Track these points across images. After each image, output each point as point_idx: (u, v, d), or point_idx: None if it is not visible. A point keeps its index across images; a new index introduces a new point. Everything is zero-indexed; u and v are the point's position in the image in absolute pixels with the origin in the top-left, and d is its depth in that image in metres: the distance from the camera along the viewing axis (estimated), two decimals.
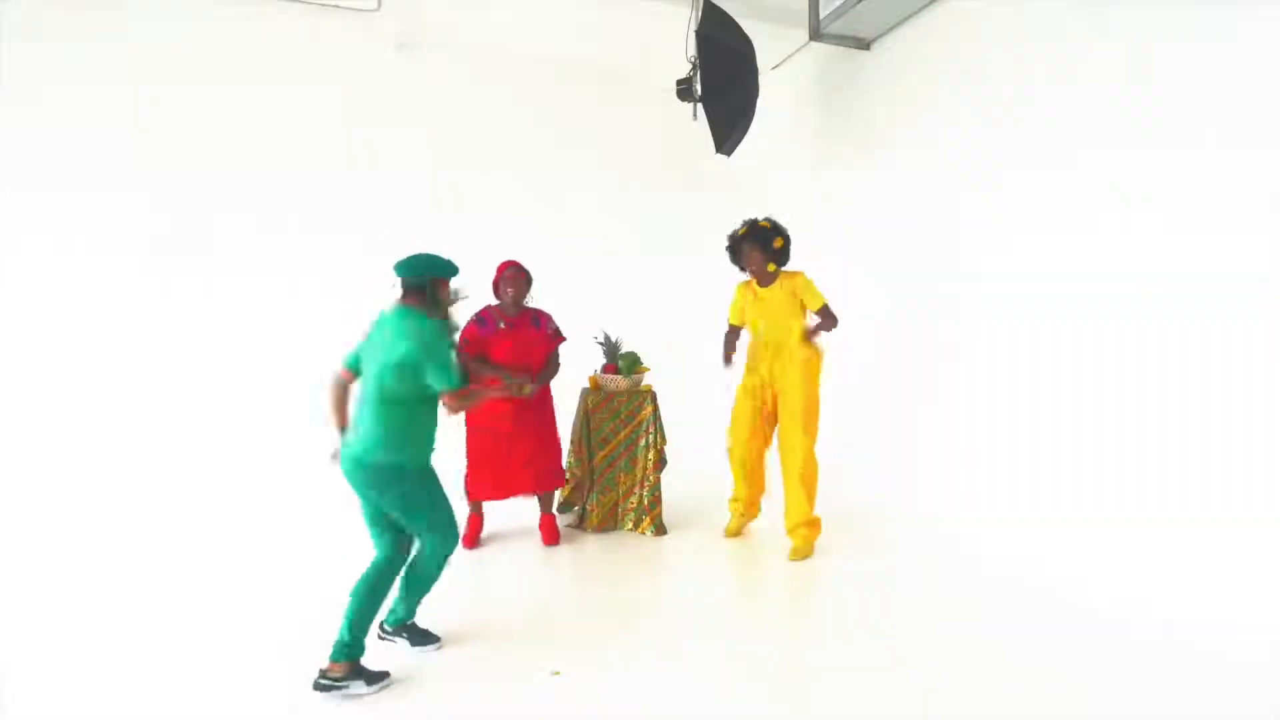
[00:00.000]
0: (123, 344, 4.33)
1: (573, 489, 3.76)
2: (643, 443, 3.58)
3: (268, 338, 4.62)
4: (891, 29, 4.17)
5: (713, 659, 2.28)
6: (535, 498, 3.50)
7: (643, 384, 3.71)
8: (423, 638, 2.36)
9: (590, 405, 3.59)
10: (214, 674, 2.15)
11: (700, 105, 4.21)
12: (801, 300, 3.33)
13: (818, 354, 3.36)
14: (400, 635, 2.37)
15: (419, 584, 2.32)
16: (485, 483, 3.37)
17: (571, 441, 3.71)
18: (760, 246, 3.33)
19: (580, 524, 3.61)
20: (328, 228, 4.84)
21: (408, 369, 2.11)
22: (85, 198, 4.28)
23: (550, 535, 3.44)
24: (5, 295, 4.13)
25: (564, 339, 3.51)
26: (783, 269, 3.41)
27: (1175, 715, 1.93)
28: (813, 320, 3.35)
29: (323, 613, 2.52)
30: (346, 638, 2.07)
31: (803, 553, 3.25)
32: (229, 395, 4.53)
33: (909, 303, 4.03)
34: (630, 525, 3.58)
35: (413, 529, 2.25)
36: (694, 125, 4.48)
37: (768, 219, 3.39)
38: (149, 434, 4.32)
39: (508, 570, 3.11)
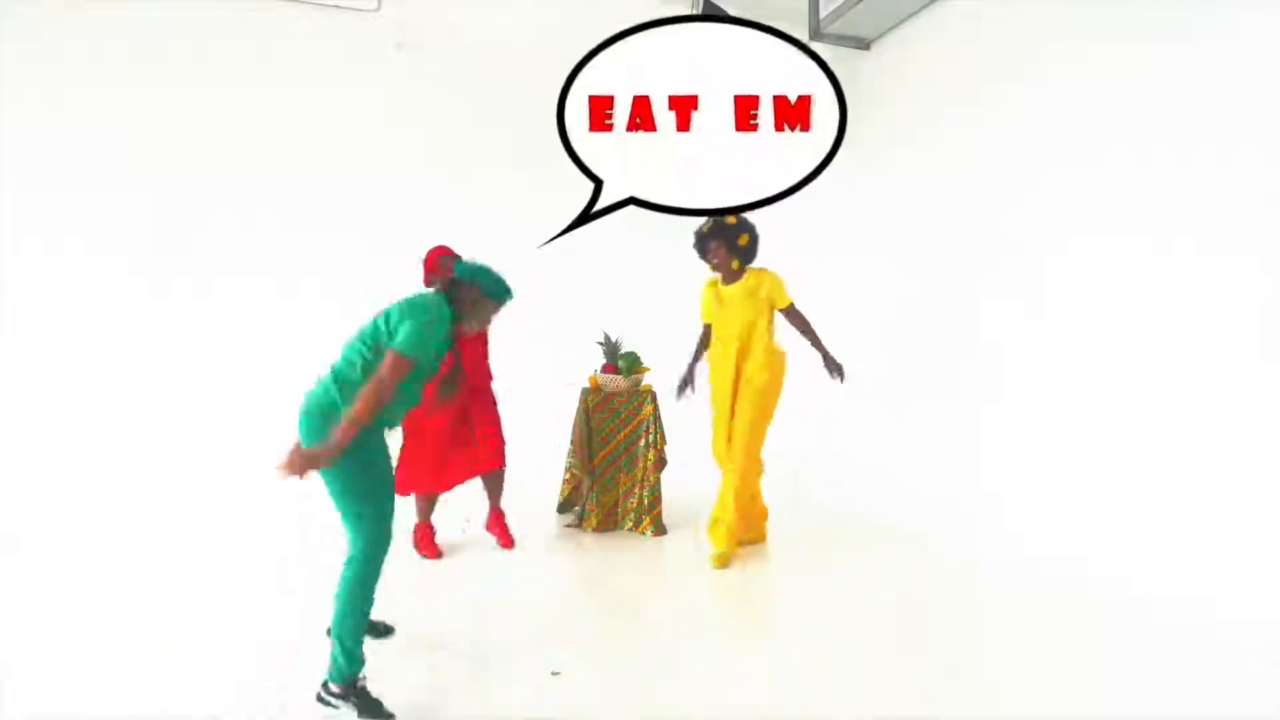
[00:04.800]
0: (123, 344, 4.33)
1: (573, 489, 3.77)
2: (643, 442, 3.58)
3: (267, 338, 4.61)
4: (891, 29, 4.17)
5: (713, 659, 2.27)
6: (483, 489, 3.31)
7: (643, 384, 3.72)
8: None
9: (590, 405, 3.59)
10: (213, 674, 2.15)
11: None
12: (769, 299, 3.20)
13: (780, 355, 3.24)
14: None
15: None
16: (420, 475, 3.09)
17: (572, 441, 3.72)
18: (726, 244, 3.22)
19: (580, 524, 3.61)
20: (327, 228, 4.83)
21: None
22: (85, 197, 4.28)
23: (504, 536, 3.28)
24: (4, 295, 4.13)
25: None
26: (749, 266, 3.28)
27: (1176, 715, 1.92)
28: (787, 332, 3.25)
29: (322, 613, 2.51)
30: (335, 652, 1.89)
31: (722, 559, 3.07)
32: (229, 396, 4.52)
33: (908, 303, 4.03)
34: (630, 525, 3.58)
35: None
36: None
37: (735, 215, 3.23)
38: (149, 434, 4.31)
39: (506, 570, 3.10)
